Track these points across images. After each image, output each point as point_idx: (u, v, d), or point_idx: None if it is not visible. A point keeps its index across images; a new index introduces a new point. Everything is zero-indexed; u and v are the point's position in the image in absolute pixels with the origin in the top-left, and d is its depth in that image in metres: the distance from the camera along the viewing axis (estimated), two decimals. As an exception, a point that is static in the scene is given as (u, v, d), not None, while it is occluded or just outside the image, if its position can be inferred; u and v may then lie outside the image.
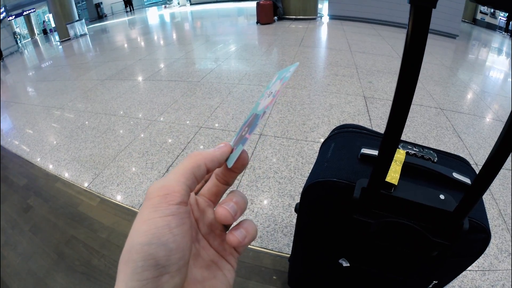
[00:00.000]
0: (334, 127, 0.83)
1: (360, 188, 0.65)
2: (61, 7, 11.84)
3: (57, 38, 12.64)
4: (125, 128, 3.41)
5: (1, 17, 14.59)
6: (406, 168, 0.70)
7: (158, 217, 0.24)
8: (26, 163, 3.07)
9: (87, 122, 3.71)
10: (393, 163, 0.66)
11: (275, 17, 9.36)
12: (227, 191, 0.35)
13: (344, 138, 0.84)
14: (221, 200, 0.33)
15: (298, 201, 0.85)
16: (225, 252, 0.33)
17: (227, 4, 17.25)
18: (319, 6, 10.05)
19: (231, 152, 0.33)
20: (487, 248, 0.62)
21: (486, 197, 2.11)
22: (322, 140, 2.75)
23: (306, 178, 0.75)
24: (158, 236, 0.23)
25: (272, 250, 1.80)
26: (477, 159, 2.57)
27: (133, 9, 21.34)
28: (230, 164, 0.32)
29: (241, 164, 0.32)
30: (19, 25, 17.73)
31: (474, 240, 0.66)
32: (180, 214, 0.25)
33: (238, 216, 0.31)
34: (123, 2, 21.53)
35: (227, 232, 0.31)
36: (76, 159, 2.96)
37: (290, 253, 1.72)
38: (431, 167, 0.70)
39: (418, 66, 0.44)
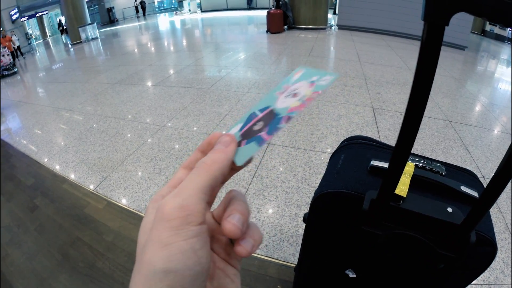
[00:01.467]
0: (342, 138, 0.84)
1: (369, 200, 0.65)
2: (73, 10, 12.11)
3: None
4: (133, 132, 3.45)
5: (14, 18, 14.92)
6: (415, 180, 0.70)
7: (181, 241, 0.22)
8: (34, 163, 3.12)
9: (96, 125, 3.76)
10: (402, 175, 0.67)
11: (285, 26, 9.43)
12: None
13: (354, 149, 0.85)
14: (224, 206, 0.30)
15: (305, 211, 0.85)
16: (229, 257, 0.31)
17: (237, 12, 17.43)
18: (329, 16, 10.11)
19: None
20: (493, 262, 0.62)
21: (493, 211, 2.09)
22: (330, 150, 2.75)
23: (314, 188, 0.76)
24: (184, 261, 0.22)
25: (277, 260, 1.80)
26: (485, 172, 2.54)
27: (145, 15, 21.69)
28: (241, 162, 0.28)
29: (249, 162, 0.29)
30: (31, 26, 18.08)
31: (480, 253, 0.66)
32: (202, 234, 0.24)
33: (245, 227, 0.28)
34: (134, 8, 21.91)
35: (234, 242, 0.28)
36: (84, 161, 2.99)
37: (295, 263, 1.71)
38: (439, 180, 0.71)
39: (430, 81, 0.45)
